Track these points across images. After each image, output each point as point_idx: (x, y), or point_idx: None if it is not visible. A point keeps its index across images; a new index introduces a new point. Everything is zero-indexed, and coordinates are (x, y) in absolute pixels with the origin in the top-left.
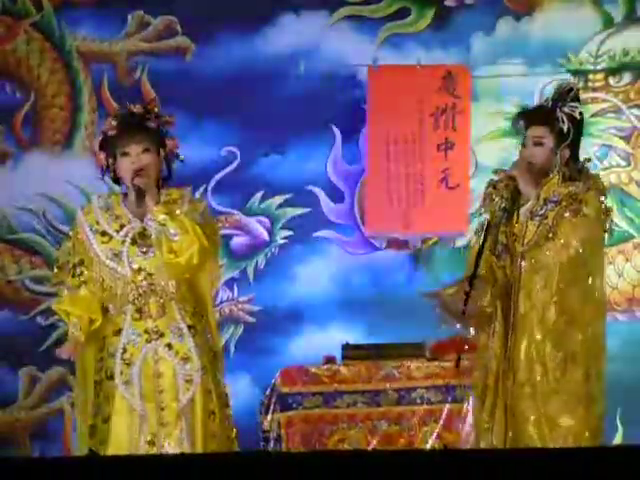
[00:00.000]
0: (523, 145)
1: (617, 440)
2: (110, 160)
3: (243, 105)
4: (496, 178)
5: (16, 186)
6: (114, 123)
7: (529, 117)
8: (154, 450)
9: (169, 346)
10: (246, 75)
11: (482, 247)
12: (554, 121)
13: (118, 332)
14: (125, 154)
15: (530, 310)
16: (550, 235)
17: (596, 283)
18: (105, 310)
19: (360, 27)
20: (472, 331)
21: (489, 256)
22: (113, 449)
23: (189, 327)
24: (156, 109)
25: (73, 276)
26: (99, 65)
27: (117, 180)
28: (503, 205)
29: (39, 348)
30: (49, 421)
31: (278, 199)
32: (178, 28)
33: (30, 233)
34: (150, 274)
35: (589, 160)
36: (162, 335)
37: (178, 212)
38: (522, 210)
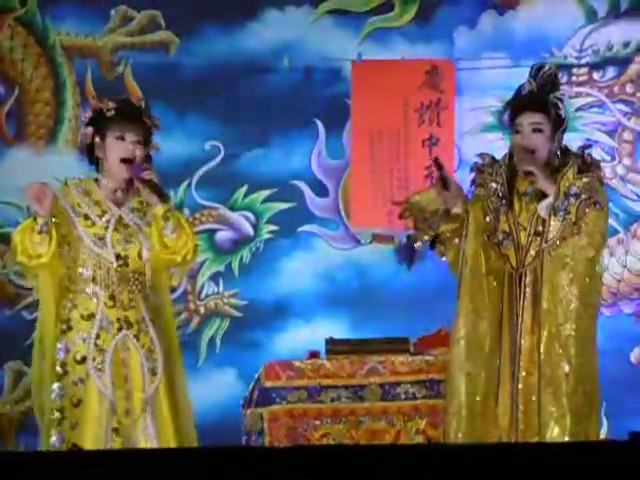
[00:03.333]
0: (516, 132)
1: (602, 434)
2: (96, 138)
3: (227, 100)
4: (480, 161)
5: (0, 180)
6: (111, 105)
7: (524, 103)
8: (119, 439)
9: (136, 337)
10: (230, 70)
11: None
12: (550, 107)
13: (90, 317)
14: (120, 138)
15: (555, 306)
16: (575, 230)
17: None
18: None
19: (343, 22)
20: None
21: (483, 245)
22: (86, 435)
23: (151, 320)
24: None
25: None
26: (83, 60)
27: (94, 160)
28: (499, 192)
29: (24, 342)
30: (34, 416)
31: (262, 194)
32: (162, 22)
33: (14, 227)
34: (127, 263)
35: (589, 147)
36: (131, 326)
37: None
38: (541, 205)
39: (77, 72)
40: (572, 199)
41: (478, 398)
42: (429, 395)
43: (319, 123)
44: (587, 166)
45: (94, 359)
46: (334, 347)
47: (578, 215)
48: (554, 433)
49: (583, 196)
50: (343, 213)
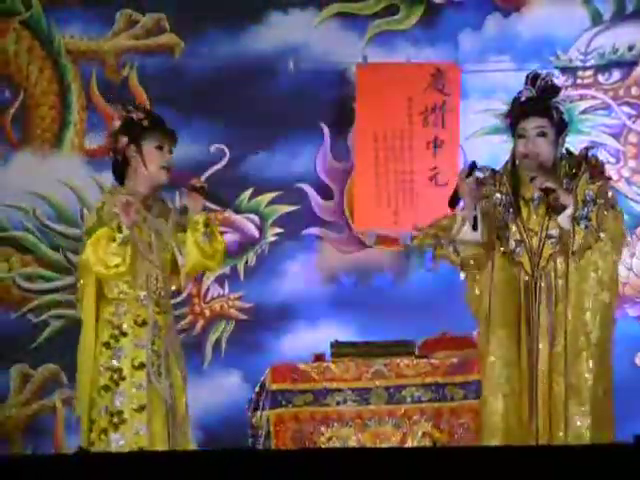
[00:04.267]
0: (519, 137)
1: None
2: (131, 147)
3: (232, 102)
4: (481, 175)
5: (6, 184)
6: (142, 115)
7: (527, 108)
8: (170, 441)
9: (174, 342)
10: (235, 72)
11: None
12: (552, 111)
13: (143, 323)
14: (159, 148)
15: (583, 314)
16: (601, 235)
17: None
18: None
19: (349, 24)
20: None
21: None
22: (153, 439)
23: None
24: None
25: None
26: (88, 63)
27: (120, 167)
28: (505, 202)
29: (30, 345)
30: (41, 418)
31: (267, 196)
32: (166, 26)
33: (21, 231)
34: (164, 269)
35: (592, 148)
36: (170, 331)
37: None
38: (561, 217)
39: (82, 75)
40: (590, 205)
41: (512, 417)
42: (434, 398)
43: (324, 126)
44: (594, 168)
45: (152, 364)
46: (339, 350)
47: (598, 220)
48: (580, 441)
49: (599, 201)
50: (348, 216)
